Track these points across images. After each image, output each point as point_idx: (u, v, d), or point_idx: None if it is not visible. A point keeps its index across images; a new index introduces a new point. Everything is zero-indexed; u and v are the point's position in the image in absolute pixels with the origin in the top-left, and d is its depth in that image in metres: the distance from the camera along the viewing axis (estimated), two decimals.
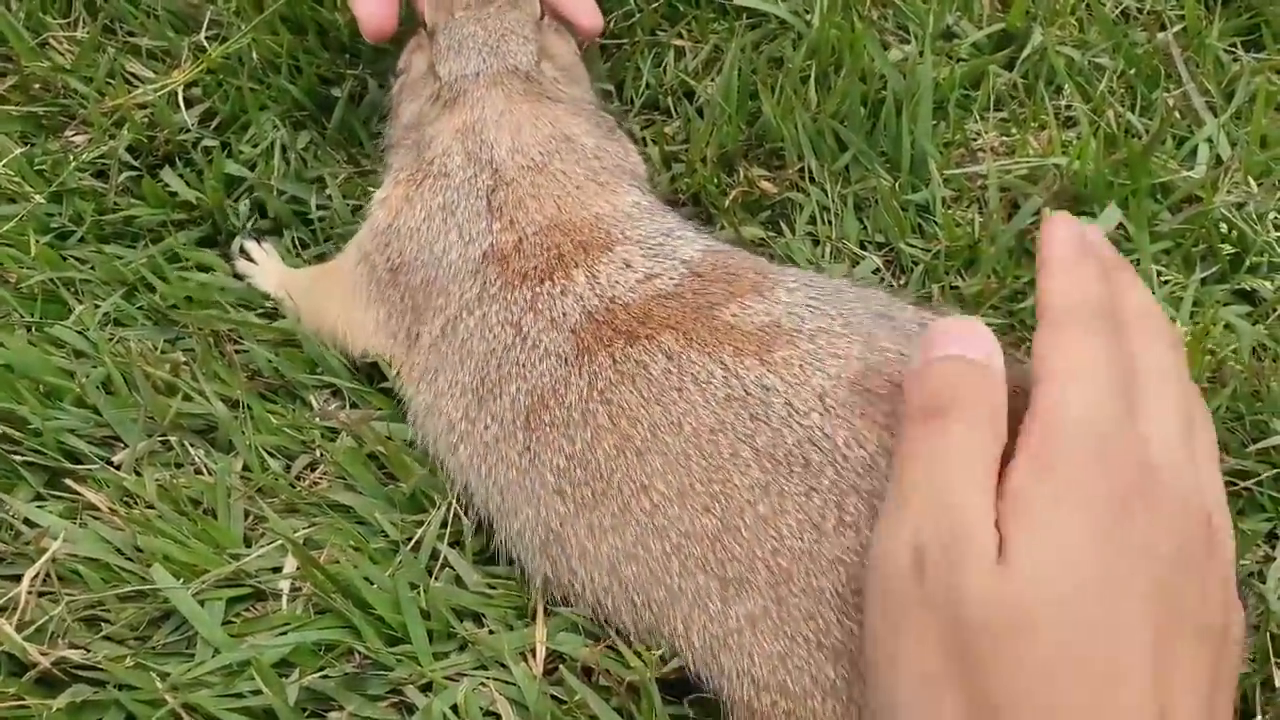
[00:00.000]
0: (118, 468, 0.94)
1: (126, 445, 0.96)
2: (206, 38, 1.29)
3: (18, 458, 0.93)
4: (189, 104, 1.25)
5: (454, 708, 0.80)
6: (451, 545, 0.90)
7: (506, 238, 0.92)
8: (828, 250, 1.13)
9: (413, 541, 0.89)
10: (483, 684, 0.82)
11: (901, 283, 1.10)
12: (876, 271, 1.11)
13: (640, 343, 0.83)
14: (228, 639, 0.83)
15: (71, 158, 1.17)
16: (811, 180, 1.17)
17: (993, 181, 1.12)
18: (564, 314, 0.87)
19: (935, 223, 1.12)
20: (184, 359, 1.00)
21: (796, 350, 0.81)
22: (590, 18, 1.14)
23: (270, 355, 1.02)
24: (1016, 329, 1.05)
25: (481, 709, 0.81)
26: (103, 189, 1.17)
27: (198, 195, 1.15)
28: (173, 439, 0.97)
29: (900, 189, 1.15)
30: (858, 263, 1.11)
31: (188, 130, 1.22)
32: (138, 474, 0.94)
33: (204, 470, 0.96)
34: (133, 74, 1.28)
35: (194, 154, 1.21)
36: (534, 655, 0.83)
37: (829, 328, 0.83)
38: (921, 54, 1.21)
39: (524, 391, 0.86)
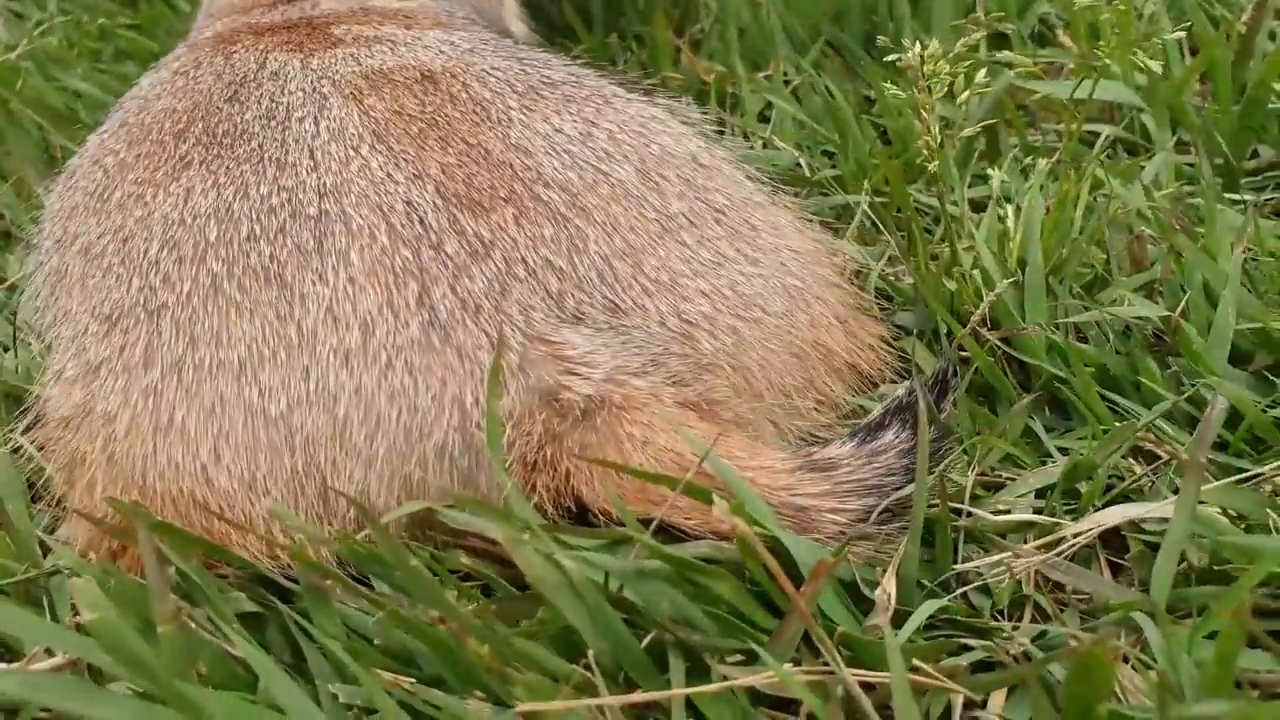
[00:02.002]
0: None
1: None
2: None
3: None
4: None
5: None
6: None
7: (267, 19, 0.76)
8: (759, 147, 0.88)
9: None
10: None
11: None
12: (796, 168, 0.85)
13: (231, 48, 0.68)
14: None
15: None
16: (786, 82, 0.95)
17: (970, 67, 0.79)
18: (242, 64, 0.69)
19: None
20: None
21: (355, 50, 0.65)
22: None
23: None
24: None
25: None
26: None
27: None
28: None
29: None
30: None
31: None
32: None
33: None
34: None
35: None
36: None
37: (440, 51, 0.65)
38: None
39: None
